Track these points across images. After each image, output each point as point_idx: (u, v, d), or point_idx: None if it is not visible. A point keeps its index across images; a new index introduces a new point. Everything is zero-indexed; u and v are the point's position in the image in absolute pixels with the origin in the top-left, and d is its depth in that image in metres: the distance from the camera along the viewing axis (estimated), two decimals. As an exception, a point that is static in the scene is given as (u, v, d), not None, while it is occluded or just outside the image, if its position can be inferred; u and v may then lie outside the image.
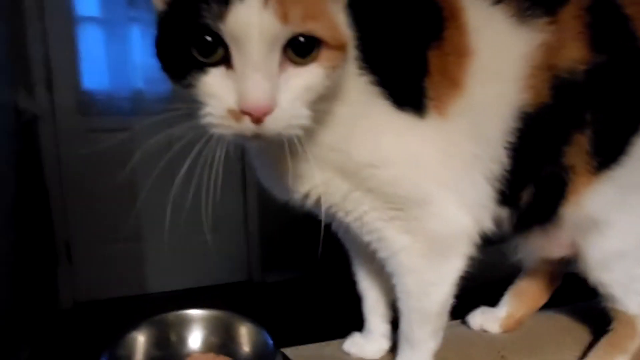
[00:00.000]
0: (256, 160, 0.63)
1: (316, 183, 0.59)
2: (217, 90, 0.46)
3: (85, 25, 2.49)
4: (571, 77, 0.58)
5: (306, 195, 0.60)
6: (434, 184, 0.59)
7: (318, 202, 0.60)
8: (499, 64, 0.58)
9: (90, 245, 2.58)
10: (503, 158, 0.59)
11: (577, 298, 0.85)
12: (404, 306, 0.65)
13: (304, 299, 2.54)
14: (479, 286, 0.83)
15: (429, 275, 0.63)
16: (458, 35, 0.57)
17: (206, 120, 0.47)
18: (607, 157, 0.61)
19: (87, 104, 2.48)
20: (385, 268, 0.65)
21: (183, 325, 0.69)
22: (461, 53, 0.57)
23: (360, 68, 0.56)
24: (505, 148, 0.59)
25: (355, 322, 0.78)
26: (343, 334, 0.79)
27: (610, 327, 0.70)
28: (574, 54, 0.57)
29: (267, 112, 0.45)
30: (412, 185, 0.59)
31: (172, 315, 0.69)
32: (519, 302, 0.81)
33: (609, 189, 0.61)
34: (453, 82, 0.57)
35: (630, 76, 0.60)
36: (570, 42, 0.57)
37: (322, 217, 0.68)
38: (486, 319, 0.81)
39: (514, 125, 0.58)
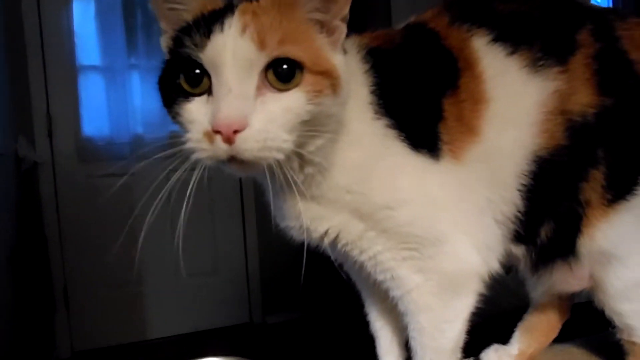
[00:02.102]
0: (273, 202, 0.64)
1: (333, 223, 0.61)
2: (197, 116, 0.50)
3: (86, 73, 2.54)
4: (583, 119, 0.61)
5: (324, 235, 0.62)
6: (448, 223, 0.61)
7: (335, 240, 0.62)
8: (514, 111, 0.60)
9: (89, 292, 2.54)
10: (516, 200, 0.62)
11: (584, 330, 0.85)
12: (417, 345, 0.65)
13: (305, 340, 2.49)
14: (486, 320, 0.83)
15: (441, 313, 0.63)
16: (474, 83, 0.60)
17: (187, 145, 0.50)
18: (621, 188, 0.62)
19: (87, 150, 2.50)
20: (398, 307, 0.65)
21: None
22: (477, 100, 0.60)
23: (376, 112, 0.59)
24: (519, 190, 0.61)
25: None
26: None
27: (625, 360, 0.70)
28: (584, 99, 0.61)
29: (237, 129, 0.47)
30: (427, 225, 0.60)
31: None
32: (530, 338, 0.81)
33: (626, 219, 0.63)
34: (469, 128, 0.60)
35: (636, 114, 0.63)
36: (580, 87, 0.61)
37: (335, 256, 0.69)
38: (499, 357, 0.80)
39: (528, 169, 0.61)
